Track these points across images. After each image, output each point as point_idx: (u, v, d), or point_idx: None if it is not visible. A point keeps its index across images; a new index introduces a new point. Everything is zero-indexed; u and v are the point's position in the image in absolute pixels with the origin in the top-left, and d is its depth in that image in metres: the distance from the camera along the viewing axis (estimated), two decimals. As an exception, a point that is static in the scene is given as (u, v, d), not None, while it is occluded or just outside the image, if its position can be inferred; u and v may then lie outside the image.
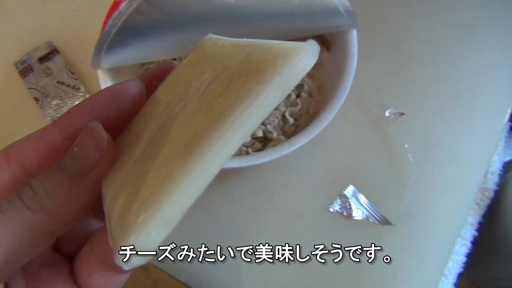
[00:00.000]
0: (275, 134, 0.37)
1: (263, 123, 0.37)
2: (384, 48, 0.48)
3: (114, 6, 0.32)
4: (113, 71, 0.36)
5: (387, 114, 0.45)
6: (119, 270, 0.15)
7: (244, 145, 0.37)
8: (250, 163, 0.32)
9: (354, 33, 0.35)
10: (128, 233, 0.14)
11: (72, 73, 0.49)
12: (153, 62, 0.41)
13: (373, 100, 0.46)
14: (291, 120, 0.38)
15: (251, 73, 0.15)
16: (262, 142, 0.39)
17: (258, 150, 0.37)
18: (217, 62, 0.17)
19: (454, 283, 0.43)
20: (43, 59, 0.50)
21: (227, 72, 0.16)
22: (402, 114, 0.45)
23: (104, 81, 0.35)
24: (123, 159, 0.17)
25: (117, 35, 0.29)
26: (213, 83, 0.16)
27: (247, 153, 0.37)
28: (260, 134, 0.37)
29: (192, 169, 0.14)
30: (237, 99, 0.14)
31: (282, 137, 0.37)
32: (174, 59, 0.40)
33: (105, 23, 0.33)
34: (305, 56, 0.14)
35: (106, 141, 0.16)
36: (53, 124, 0.18)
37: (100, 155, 0.16)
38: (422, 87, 0.46)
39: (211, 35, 0.20)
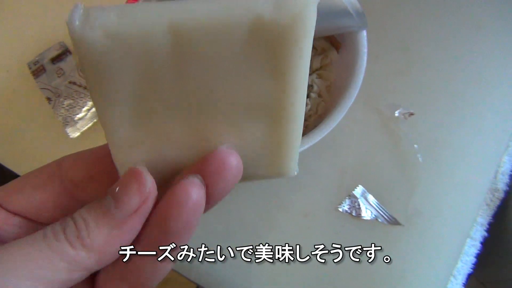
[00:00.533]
0: None
1: None
2: (393, 48, 0.48)
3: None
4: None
5: (396, 114, 0.45)
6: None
7: None
8: None
9: (364, 34, 0.35)
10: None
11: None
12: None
13: (382, 100, 0.46)
14: None
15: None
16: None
17: None
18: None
19: (463, 283, 0.43)
20: (55, 59, 0.51)
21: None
22: (412, 114, 0.45)
23: None
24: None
25: None
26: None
27: None
28: None
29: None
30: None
31: None
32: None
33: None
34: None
35: (150, 185, 0.16)
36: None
37: (141, 199, 0.16)
38: (432, 87, 0.46)
39: None
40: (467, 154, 0.44)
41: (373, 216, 0.43)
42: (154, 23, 0.16)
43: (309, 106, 0.38)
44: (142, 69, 0.17)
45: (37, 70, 0.51)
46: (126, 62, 0.16)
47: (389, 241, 0.42)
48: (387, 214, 0.42)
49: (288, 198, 0.44)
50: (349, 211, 0.43)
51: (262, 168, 0.19)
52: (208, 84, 0.17)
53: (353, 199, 0.43)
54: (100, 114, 0.17)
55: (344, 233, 0.43)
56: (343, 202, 0.43)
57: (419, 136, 0.44)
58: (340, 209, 0.43)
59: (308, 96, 0.39)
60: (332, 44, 0.39)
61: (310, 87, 0.39)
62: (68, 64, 0.50)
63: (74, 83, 0.49)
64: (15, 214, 0.19)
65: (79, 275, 0.16)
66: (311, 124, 0.39)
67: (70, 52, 0.51)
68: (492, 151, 0.45)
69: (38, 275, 0.15)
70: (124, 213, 0.16)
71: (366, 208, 0.43)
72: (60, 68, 0.50)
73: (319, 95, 0.39)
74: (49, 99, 0.49)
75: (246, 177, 0.19)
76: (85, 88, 0.49)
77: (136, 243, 0.17)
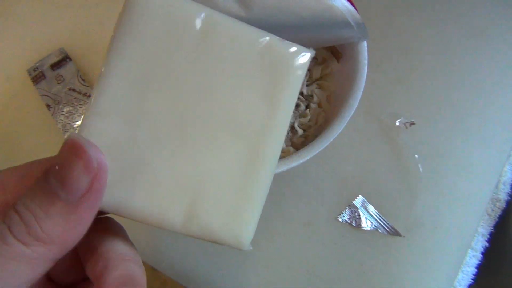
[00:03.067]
0: (284, 146, 0.37)
1: None
2: (395, 56, 0.47)
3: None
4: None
5: (397, 123, 0.45)
6: None
7: None
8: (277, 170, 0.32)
9: (364, 44, 0.35)
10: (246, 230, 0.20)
11: (83, 80, 0.50)
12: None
13: (383, 110, 0.45)
14: (300, 132, 0.38)
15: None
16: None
17: None
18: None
19: (464, 294, 0.43)
20: (55, 66, 0.51)
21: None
22: (413, 123, 0.44)
23: None
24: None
25: None
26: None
27: None
28: None
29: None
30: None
31: (291, 149, 0.37)
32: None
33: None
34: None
35: (98, 158, 0.15)
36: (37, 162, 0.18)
37: (91, 177, 0.15)
38: (433, 96, 0.46)
39: None
40: (468, 164, 0.44)
41: (373, 226, 0.42)
42: (198, 8, 0.19)
43: (308, 117, 0.38)
44: (167, 41, 0.19)
45: (37, 76, 0.50)
46: (160, 26, 0.19)
47: (389, 252, 0.42)
48: (387, 224, 0.42)
49: (287, 207, 0.43)
50: (349, 221, 0.43)
51: (220, 231, 0.20)
52: (211, 85, 0.19)
53: (353, 209, 0.43)
54: (106, 66, 0.19)
55: (344, 244, 0.42)
56: (343, 212, 0.43)
57: (420, 146, 0.44)
58: (340, 219, 0.43)
59: (308, 107, 0.39)
60: (332, 54, 0.39)
61: (310, 97, 0.39)
62: (68, 70, 0.50)
63: (74, 90, 0.49)
64: None
65: (44, 268, 0.15)
66: (311, 134, 0.39)
67: (70, 59, 0.51)
68: (494, 160, 0.44)
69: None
70: (75, 195, 0.14)
71: (366, 219, 0.42)
72: (60, 75, 0.50)
73: (319, 105, 0.39)
74: (48, 106, 0.49)
75: (199, 234, 0.19)
76: (84, 95, 0.49)
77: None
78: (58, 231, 0.14)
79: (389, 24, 0.48)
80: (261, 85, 0.20)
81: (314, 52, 0.22)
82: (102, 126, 0.18)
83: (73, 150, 0.15)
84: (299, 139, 0.38)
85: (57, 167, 0.15)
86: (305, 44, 0.34)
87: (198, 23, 0.19)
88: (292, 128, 0.38)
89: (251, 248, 0.20)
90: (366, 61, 0.35)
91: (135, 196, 0.18)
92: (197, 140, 0.19)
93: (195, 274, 0.42)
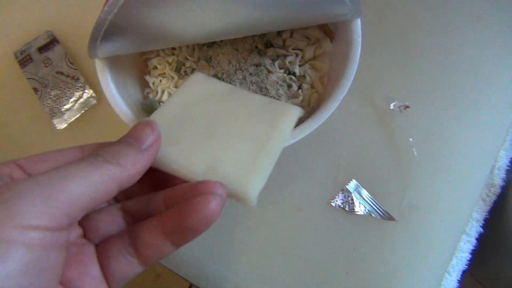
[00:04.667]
0: None
1: None
2: (389, 40, 0.46)
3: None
4: (111, 60, 0.35)
5: (391, 107, 0.44)
6: (176, 245, 0.22)
7: None
8: None
9: (358, 22, 0.34)
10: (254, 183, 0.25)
11: (71, 63, 0.48)
12: (153, 52, 0.40)
13: (378, 93, 0.45)
14: None
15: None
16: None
17: None
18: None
19: (458, 280, 0.42)
20: (42, 49, 0.49)
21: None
22: (407, 107, 0.44)
23: (102, 71, 0.34)
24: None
25: (114, 22, 0.28)
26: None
27: None
28: None
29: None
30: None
31: None
32: (174, 48, 0.40)
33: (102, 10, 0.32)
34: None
35: (159, 131, 0.24)
36: (77, 147, 0.24)
37: (155, 138, 0.24)
38: (428, 79, 0.45)
39: (199, 73, 0.34)
40: (463, 148, 0.43)
41: (367, 211, 0.42)
42: (225, 84, 0.34)
43: (301, 97, 0.37)
44: (206, 93, 0.32)
45: (24, 59, 0.49)
46: (203, 86, 0.33)
47: (383, 237, 0.41)
48: (381, 209, 0.42)
49: (280, 192, 0.43)
50: (342, 206, 0.42)
51: (232, 183, 0.25)
52: (230, 115, 0.30)
53: (347, 193, 0.42)
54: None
55: (337, 228, 0.42)
56: (337, 196, 0.42)
57: (414, 130, 0.43)
58: (333, 204, 0.42)
59: (300, 88, 0.38)
60: (325, 34, 0.38)
61: (302, 77, 0.38)
62: (55, 53, 0.49)
63: (62, 73, 0.48)
64: None
65: (114, 188, 0.21)
66: (303, 116, 0.38)
67: (58, 42, 0.49)
68: (489, 145, 0.44)
69: (89, 183, 0.19)
70: (144, 145, 0.23)
71: (360, 203, 0.42)
72: (47, 58, 0.49)
73: (312, 86, 0.38)
74: (35, 89, 0.48)
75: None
76: (72, 78, 0.48)
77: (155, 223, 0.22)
78: (129, 161, 0.21)
79: (384, 7, 0.48)
80: (265, 119, 0.29)
81: (302, 111, 0.32)
82: (168, 113, 0.30)
83: (145, 122, 0.24)
84: None
85: (137, 132, 0.23)
86: (296, 22, 0.33)
87: (225, 88, 0.33)
88: None
89: (255, 203, 0.25)
90: (360, 39, 0.34)
91: (172, 156, 0.26)
92: (219, 134, 0.28)
93: (186, 261, 0.42)
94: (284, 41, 0.38)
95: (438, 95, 0.45)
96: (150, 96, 0.40)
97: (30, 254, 0.16)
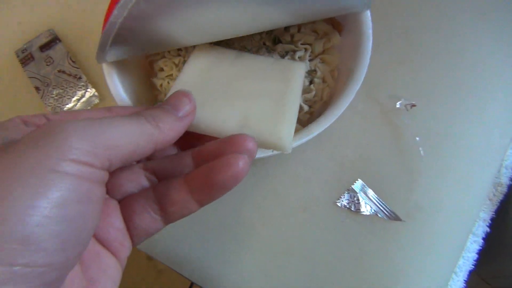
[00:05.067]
0: None
1: None
2: (395, 37, 0.46)
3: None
4: (118, 64, 0.35)
5: (398, 105, 0.43)
6: (201, 203, 0.23)
7: None
8: (269, 154, 0.31)
9: (367, 14, 0.34)
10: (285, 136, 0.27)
11: (73, 61, 0.48)
12: (158, 54, 0.40)
13: (383, 91, 0.44)
14: (305, 108, 0.36)
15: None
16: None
17: None
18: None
19: (464, 280, 0.42)
20: (44, 47, 0.49)
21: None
22: (414, 105, 0.43)
23: (110, 75, 0.34)
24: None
25: (124, 26, 0.28)
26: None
27: None
28: None
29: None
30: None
31: (298, 126, 0.36)
32: (180, 49, 0.39)
33: (109, 13, 0.31)
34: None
35: (194, 101, 0.25)
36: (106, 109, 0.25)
37: (191, 108, 0.25)
38: (434, 77, 0.44)
39: (202, 44, 0.35)
40: (470, 147, 0.43)
41: (373, 211, 0.41)
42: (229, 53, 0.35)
43: (313, 92, 0.37)
44: (215, 59, 0.34)
45: (25, 58, 0.49)
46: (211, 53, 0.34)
47: (389, 237, 0.41)
48: (387, 209, 0.41)
49: (285, 192, 0.42)
50: (348, 206, 0.42)
51: (267, 134, 0.27)
52: (246, 75, 0.32)
53: (352, 193, 0.42)
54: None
55: (343, 229, 0.41)
56: (342, 196, 0.42)
57: (421, 129, 0.43)
58: (339, 204, 0.42)
59: (311, 82, 0.37)
60: (333, 27, 0.37)
61: (313, 72, 0.37)
62: (57, 52, 0.48)
63: (64, 72, 0.48)
64: None
65: (150, 147, 0.22)
66: (316, 111, 0.37)
67: (59, 40, 0.49)
68: (496, 144, 0.43)
69: (131, 136, 0.20)
70: (181, 114, 0.24)
71: (366, 203, 0.41)
72: (49, 57, 0.48)
73: (323, 80, 0.38)
74: (37, 88, 0.47)
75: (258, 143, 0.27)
76: (74, 77, 0.47)
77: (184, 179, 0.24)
78: (167, 126, 0.23)
79: (389, 3, 0.47)
80: (277, 76, 0.32)
81: (307, 65, 0.36)
82: (186, 83, 0.31)
83: (183, 92, 0.25)
84: (305, 115, 0.37)
85: (174, 100, 0.25)
86: (305, 16, 0.33)
87: (231, 53, 0.34)
88: None
89: (290, 150, 0.27)
90: (370, 32, 0.33)
91: (205, 117, 0.28)
92: (239, 94, 0.30)
93: (189, 260, 0.41)
94: (292, 36, 0.37)
95: (445, 93, 0.44)
96: (158, 98, 0.40)
97: (82, 185, 0.17)
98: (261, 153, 0.31)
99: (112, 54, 0.31)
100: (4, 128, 0.21)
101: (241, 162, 0.22)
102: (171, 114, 0.23)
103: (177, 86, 0.31)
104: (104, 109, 0.25)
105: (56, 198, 0.16)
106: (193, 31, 0.30)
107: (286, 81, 0.31)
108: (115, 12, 0.26)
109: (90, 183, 0.18)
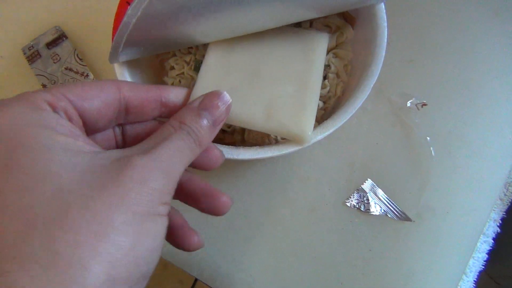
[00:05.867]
0: None
1: None
2: (407, 34, 0.45)
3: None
4: (129, 63, 0.34)
5: (408, 104, 0.43)
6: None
7: None
8: (284, 152, 0.30)
9: (382, 7, 0.33)
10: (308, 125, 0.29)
11: (81, 59, 0.47)
12: (168, 52, 0.39)
13: (394, 89, 0.44)
14: (320, 104, 0.36)
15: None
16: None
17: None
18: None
19: (474, 280, 0.41)
20: (51, 44, 0.48)
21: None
22: (425, 104, 0.43)
23: (122, 74, 0.33)
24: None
25: (137, 26, 0.27)
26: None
27: (276, 141, 0.35)
28: None
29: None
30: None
31: None
32: (190, 52, 0.38)
33: (119, 13, 0.31)
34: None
35: (228, 98, 0.27)
36: (112, 82, 0.24)
37: (227, 113, 0.27)
38: (446, 76, 0.44)
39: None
40: (481, 147, 0.42)
41: (383, 211, 0.41)
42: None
43: (328, 88, 0.36)
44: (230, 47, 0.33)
45: (32, 55, 0.48)
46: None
47: (399, 238, 0.40)
48: (397, 209, 0.41)
49: (294, 192, 0.42)
50: (357, 206, 0.41)
51: (290, 126, 0.29)
52: (270, 52, 0.32)
53: (362, 193, 0.41)
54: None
55: (352, 229, 0.41)
56: (351, 196, 0.41)
57: (432, 128, 0.42)
58: (348, 204, 0.41)
59: (325, 77, 0.37)
60: (346, 20, 0.37)
61: (327, 67, 0.37)
62: (64, 49, 0.48)
63: (71, 70, 0.47)
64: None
65: (191, 160, 0.24)
66: (329, 106, 0.37)
67: (66, 37, 0.49)
68: (508, 144, 0.43)
69: (185, 163, 0.23)
70: (218, 122, 0.26)
71: (375, 203, 0.41)
72: (56, 54, 0.48)
73: (337, 75, 0.37)
74: (44, 86, 0.47)
75: (276, 128, 0.29)
76: (81, 75, 0.47)
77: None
78: (207, 141, 0.25)
79: (400, 1, 0.46)
80: (299, 55, 0.32)
81: (329, 36, 0.34)
82: (211, 78, 0.31)
83: (219, 97, 0.27)
84: (319, 111, 0.36)
85: (210, 108, 0.26)
86: (322, 10, 0.32)
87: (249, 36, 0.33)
88: None
89: (311, 141, 0.29)
90: (385, 24, 0.33)
91: (233, 110, 0.29)
92: (264, 78, 0.31)
93: (199, 262, 0.41)
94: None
95: (456, 93, 0.44)
96: None
97: (166, 222, 0.20)
98: (290, 148, 0.31)
99: (125, 55, 0.30)
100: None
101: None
102: (208, 125, 0.25)
103: (205, 74, 0.32)
104: (113, 85, 0.25)
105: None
106: (210, 30, 0.30)
107: (308, 58, 0.32)
108: (129, 11, 0.26)
109: (167, 219, 0.21)
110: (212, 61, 0.32)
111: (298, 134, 0.29)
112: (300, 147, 0.30)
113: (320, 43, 0.32)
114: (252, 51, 0.32)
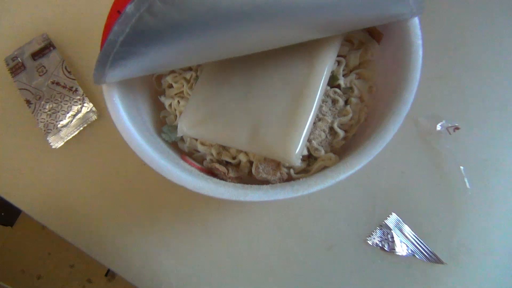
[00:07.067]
0: (322, 152, 0.30)
1: (308, 139, 0.30)
2: (436, 47, 0.40)
3: (118, 5, 0.25)
4: (121, 83, 0.29)
5: (438, 128, 0.38)
6: None
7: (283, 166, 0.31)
8: (299, 194, 0.26)
9: (416, 21, 0.28)
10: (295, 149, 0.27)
11: (69, 72, 0.43)
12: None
13: (421, 111, 0.39)
14: (341, 134, 0.31)
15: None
16: (306, 160, 0.32)
17: (302, 171, 0.31)
18: None
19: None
20: (36, 54, 0.44)
21: None
22: (457, 128, 0.38)
23: (111, 98, 0.29)
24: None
25: (125, 44, 0.22)
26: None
27: (289, 175, 0.30)
28: (304, 152, 0.30)
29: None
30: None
31: (332, 155, 0.30)
32: (190, 68, 0.34)
33: (108, 24, 0.26)
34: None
35: None
36: None
37: None
38: (481, 95, 0.39)
39: None
40: (522, 177, 0.37)
41: (410, 251, 0.36)
42: None
43: (350, 115, 0.31)
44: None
45: (16, 67, 0.43)
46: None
47: (429, 282, 0.36)
48: (426, 249, 0.36)
49: (308, 227, 0.37)
50: (380, 245, 0.36)
51: (275, 148, 0.27)
52: (267, 55, 0.29)
53: (386, 230, 0.37)
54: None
55: (375, 271, 0.36)
56: (373, 233, 0.37)
57: (465, 155, 0.38)
58: (370, 242, 0.36)
59: (347, 102, 0.32)
60: (371, 35, 0.32)
61: (349, 90, 0.32)
62: (51, 60, 0.43)
63: (58, 84, 0.42)
64: None
65: None
66: (351, 134, 0.32)
67: (54, 47, 0.44)
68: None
69: None
70: None
71: (401, 242, 0.36)
72: (42, 66, 0.43)
73: (361, 99, 0.32)
74: (28, 101, 0.42)
75: (260, 149, 0.28)
76: (70, 89, 0.42)
77: None
78: None
79: (429, 10, 0.41)
80: (302, 58, 0.29)
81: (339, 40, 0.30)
82: (203, 95, 0.30)
83: None
84: (339, 142, 0.31)
85: None
86: (344, 26, 0.27)
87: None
88: (330, 129, 0.31)
89: (299, 162, 0.28)
90: (420, 42, 0.28)
91: (217, 128, 0.28)
92: (258, 90, 0.28)
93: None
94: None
95: (493, 115, 0.39)
96: (167, 120, 0.34)
97: None
98: (304, 190, 0.26)
99: (113, 75, 0.26)
100: None
101: None
102: None
103: (192, 100, 0.31)
104: None
105: None
106: (209, 51, 0.25)
107: (307, 69, 0.29)
108: (115, 28, 0.21)
109: None
110: (206, 77, 0.31)
111: (282, 156, 0.27)
112: (315, 189, 0.26)
113: (325, 50, 0.29)
114: (249, 63, 0.30)
